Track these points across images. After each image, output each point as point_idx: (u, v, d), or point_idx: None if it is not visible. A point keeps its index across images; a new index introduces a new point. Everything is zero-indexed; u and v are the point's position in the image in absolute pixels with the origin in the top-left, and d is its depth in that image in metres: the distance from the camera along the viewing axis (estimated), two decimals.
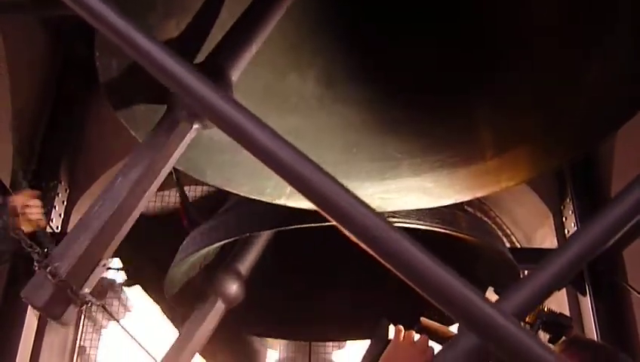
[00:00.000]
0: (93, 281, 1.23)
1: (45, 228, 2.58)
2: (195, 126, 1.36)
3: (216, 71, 1.47)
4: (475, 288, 0.56)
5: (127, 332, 4.35)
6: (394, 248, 0.60)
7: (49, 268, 1.16)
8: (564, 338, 1.91)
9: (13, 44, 3.79)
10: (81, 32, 4.29)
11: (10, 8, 3.51)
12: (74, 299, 1.17)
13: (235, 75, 1.51)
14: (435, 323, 2.04)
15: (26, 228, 2.51)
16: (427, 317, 2.01)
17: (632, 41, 1.54)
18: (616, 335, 3.79)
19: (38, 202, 2.62)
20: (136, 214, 1.29)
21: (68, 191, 4.42)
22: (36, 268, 1.20)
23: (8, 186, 3.80)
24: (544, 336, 1.93)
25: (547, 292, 0.58)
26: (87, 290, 1.22)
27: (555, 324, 1.89)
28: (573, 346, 2.14)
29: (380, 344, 1.84)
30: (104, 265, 1.26)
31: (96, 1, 0.90)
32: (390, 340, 1.74)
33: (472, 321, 0.55)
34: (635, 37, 1.53)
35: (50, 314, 1.16)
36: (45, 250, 2.04)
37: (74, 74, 4.46)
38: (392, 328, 1.91)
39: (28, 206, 2.54)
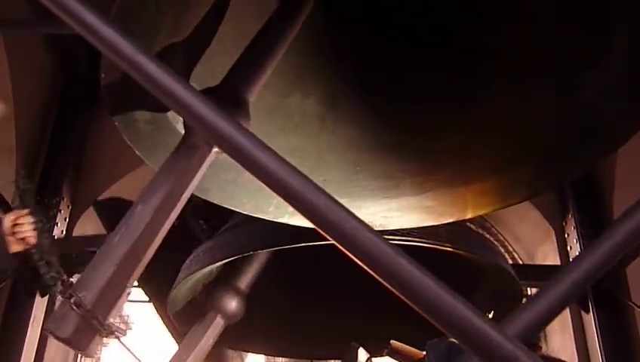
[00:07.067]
0: (117, 310, 1.21)
1: (34, 245, 2.43)
2: (215, 150, 1.33)
3: (232, 94, 1.46)
4: (479, 311, 0.56)
5: (128, 349, 4.32)
6: (398, 272, 0.60)
7: (73, 298, 1.13)
8: None
9: (16, 62, 3.81)
10: (84, 48, 4.33)
11: (14, 24, 3.53)
12: (100, 329, 1.15)
13: (252, 97, 1.48)
14: (406, 346, 2.03)
15: (17, 248, 2.38)
16: (397, 340, 2.00)
17: (626, 66, 1.55)
18: (619, 352, 3.77)
19: (28, 218, 2.40)
20: (158, 241, 1.27)
21: (70, 207, 4.43)
22: (59, 297, 1.17)
23: (11, 203, 3.80)
24: None
25: (551, 315, 0.59)
26: (111, 320, 1.19)
27: None
28: None
29: None
30: (128, 293, 1.23)
31: (102, 25, 0.90)
32: None
33: (477, 346, 0.55)
34: (629, 61, 1.55)
35: (76, 345, 1.14)
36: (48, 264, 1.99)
37: (76, 91, 4.48)
38: (361, 351, 1.90)
39: (17, 225, 2.41)
